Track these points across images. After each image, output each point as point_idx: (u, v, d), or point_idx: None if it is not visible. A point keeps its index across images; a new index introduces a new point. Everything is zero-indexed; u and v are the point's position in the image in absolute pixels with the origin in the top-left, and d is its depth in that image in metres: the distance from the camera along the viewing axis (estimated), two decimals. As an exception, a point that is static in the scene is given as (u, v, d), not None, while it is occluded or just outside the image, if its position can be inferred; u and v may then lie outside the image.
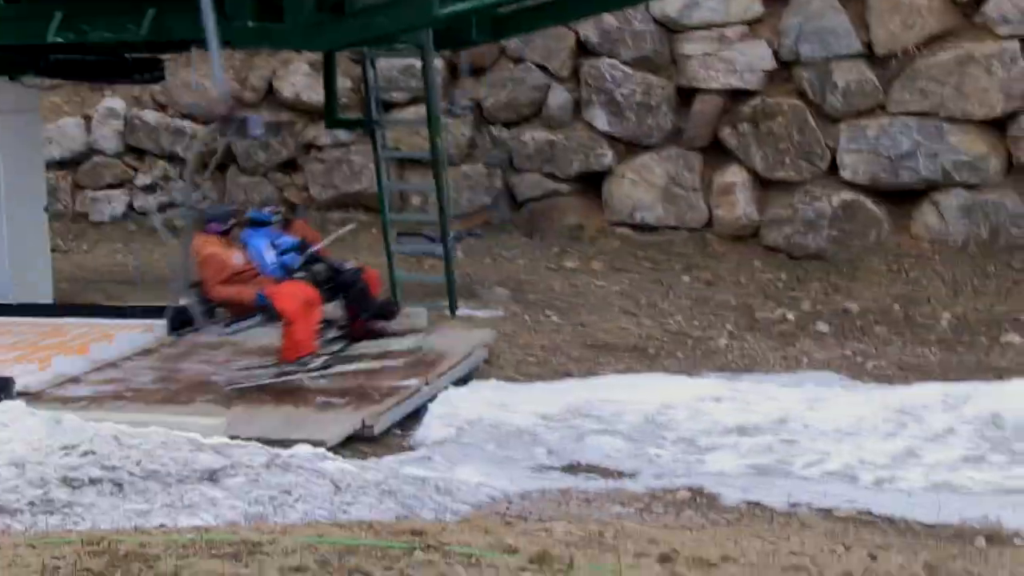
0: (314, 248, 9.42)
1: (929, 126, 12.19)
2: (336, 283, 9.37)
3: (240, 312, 9.16)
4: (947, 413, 8.34)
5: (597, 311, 11.55)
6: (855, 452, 8.18)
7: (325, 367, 9.10)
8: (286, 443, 7.66)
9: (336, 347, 9.44)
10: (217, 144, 9.82)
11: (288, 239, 9.44)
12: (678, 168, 13.06)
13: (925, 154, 12.20)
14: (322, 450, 7.67)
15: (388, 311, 9.75)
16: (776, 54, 12.73)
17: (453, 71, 13.85)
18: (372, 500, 6.82)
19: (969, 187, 12.11)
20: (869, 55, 12.41)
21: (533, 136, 13.50)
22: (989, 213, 12.05)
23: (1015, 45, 11.92)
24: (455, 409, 8.87)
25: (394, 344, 9.65)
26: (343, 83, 13.57)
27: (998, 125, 12.07)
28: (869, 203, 12.40)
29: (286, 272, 9.17)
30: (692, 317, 11.52)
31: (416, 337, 9.86)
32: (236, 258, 9.15)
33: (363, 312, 9.54)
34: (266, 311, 8.95)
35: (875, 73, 12.42)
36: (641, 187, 13.14)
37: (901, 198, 12.39)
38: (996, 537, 6.95)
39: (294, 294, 8.92)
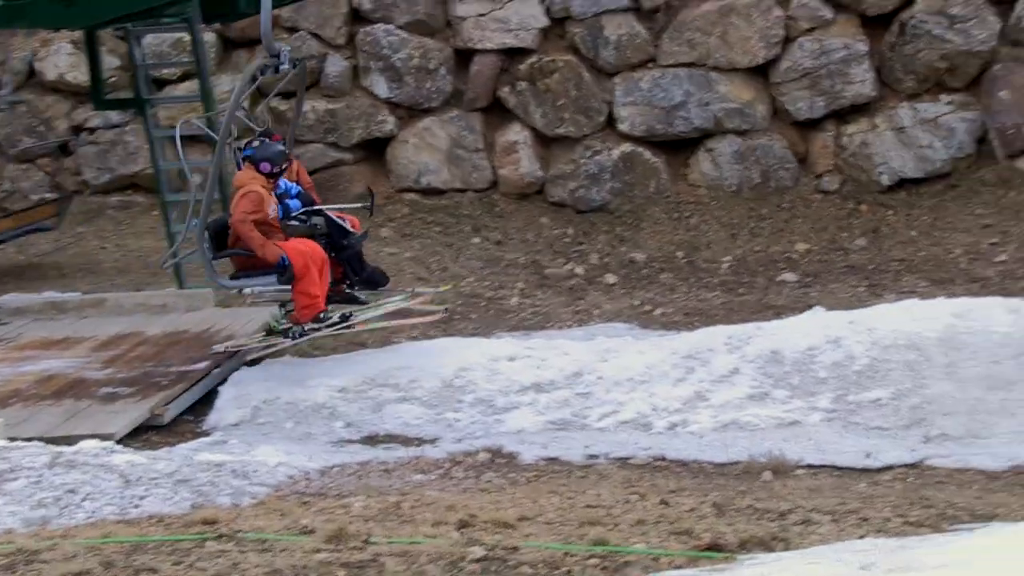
0: (323, 207, 9.06)
1: (698, 76, 12.52)
2: (335, 243, 8.96)
3: (248, 266, 8.63)
4: (731, 354, 8.60)
5: (390, 279, 11.47)
6: (648, 400, 8.38)
7: (343, 321, 8.78)
8: (70, 440, 7.39)
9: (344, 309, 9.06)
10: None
11: (285, 182, 8.98)
12: (460, 130, 13.07)
13: (697, 103, 12.53)
14: (110, 443, 7.43)
15: (378, 280, 9.35)
16: (548, 11, 12.84)
17: (226, 44, 13.50)
18: (165, 491, 6.65)
19: (740, 133, 12.51)
20: (637, 8, 12.64)
21: (313, 106, 13.28)
22: (759, 157, 12.48)
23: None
24: (249, 390, 8.72)
25: (389, 305, 9.31)
26: (111, 61, 13.09)
27: (761, 72, 12.49)
28: (647, 154, 12.68)
29: (284, 215, 8.77)
30: (484, 278, 11.59)
31: (401, 297, 9.52)
32: (272, 208, 8.67)
33: (353, 276, 9.16)
34: (285, 272, 8.48)
35: (644, 26, 12.67)
36: (425, 151, 13.11)
37: (677, 147, 12.71)
38: (780, 469, 7.25)
39: (303, 252, 8.53)
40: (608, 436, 8.05)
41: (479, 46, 12.93)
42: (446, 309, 9.63)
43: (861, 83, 12.26)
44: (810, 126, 12.48)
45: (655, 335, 9.69)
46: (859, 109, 12.33)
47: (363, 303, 9.22)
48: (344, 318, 8.80)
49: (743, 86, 12.51)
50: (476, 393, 8.64)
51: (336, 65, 13.23)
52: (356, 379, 8.82)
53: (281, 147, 8.79)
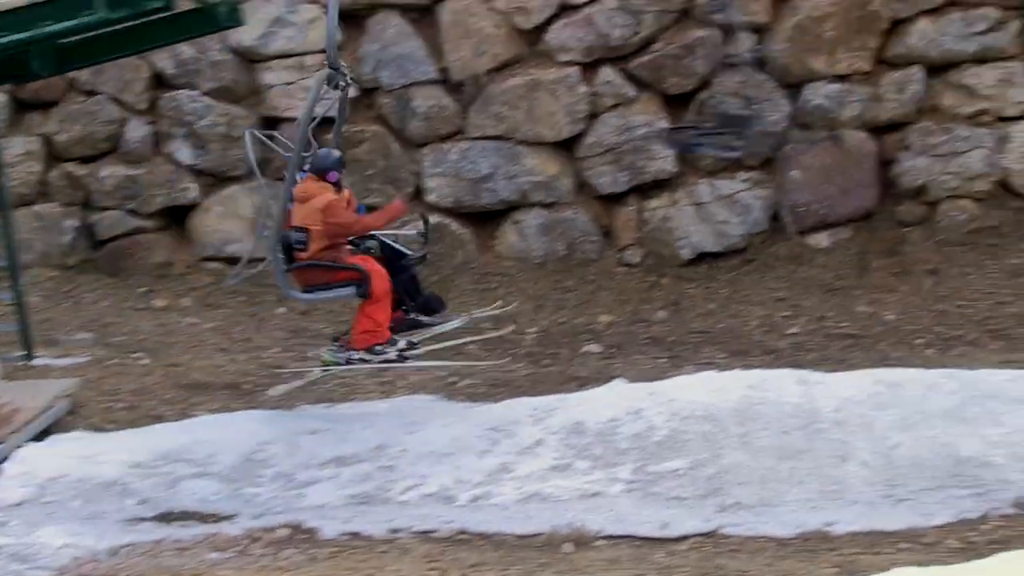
0: (375, 232, 8.81)
1: (506, 149, 12.68)
2: (392, 267, 8.69)
3: (322, 282, 8.44)
4: (536, 426, 8.63)
5: (189, 350, 11.19)
6: (452, 473, 8.33)
7: (401, 359, 8.57)
8: None
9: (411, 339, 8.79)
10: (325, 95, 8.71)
11: None
12: (266, 199, 12.86)
13: (504, 176, 12.68)
14: None
15: (434, 307, 9.09)
16: (357, 81, 12.82)
17: (19, 106, 13.05)
18: (-66, 579, 6.25)
19: (546, 206, 12.69)
20: (445, 81, 12.76)
21: (112, 172, 12.92)
22: (565, 230, 12.67)
23: (576, 71, 12.63)
24: (33, 467, 8.33)
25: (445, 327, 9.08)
26: None
27: (566, 146, 12.73)
28: (455, 225, 12.74)
29: None
30: (288, 349, 11.39)
31: (460, 319, 9.25)
32: None
33: (410, 302, 8.87)
34: (362, 286, 8.37)
35: (452, 98, 12.79)
36: (229, 220, 12.87)
37: (485, 219, 12.81)
38: (581, 540, 7.29)
39: (384, 274, 8.42)
40: (411, 510, 7.97)
41: (286, 114, 12.82)
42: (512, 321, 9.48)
43: (663, 159, 12.60)
44: (614, 200, 12.75)
45: (461, 407, 9.67)
46: (661, 185, 12.66)
47: (427, 326, 9.01)
48: (402, 358, 8.63)
49: (549, 160, 12.72)
50: (277, 467, 8.46)
51: (137, 130, 12.93)
52: (151, 454, 8.53)
53: (338, 153, 8.68)
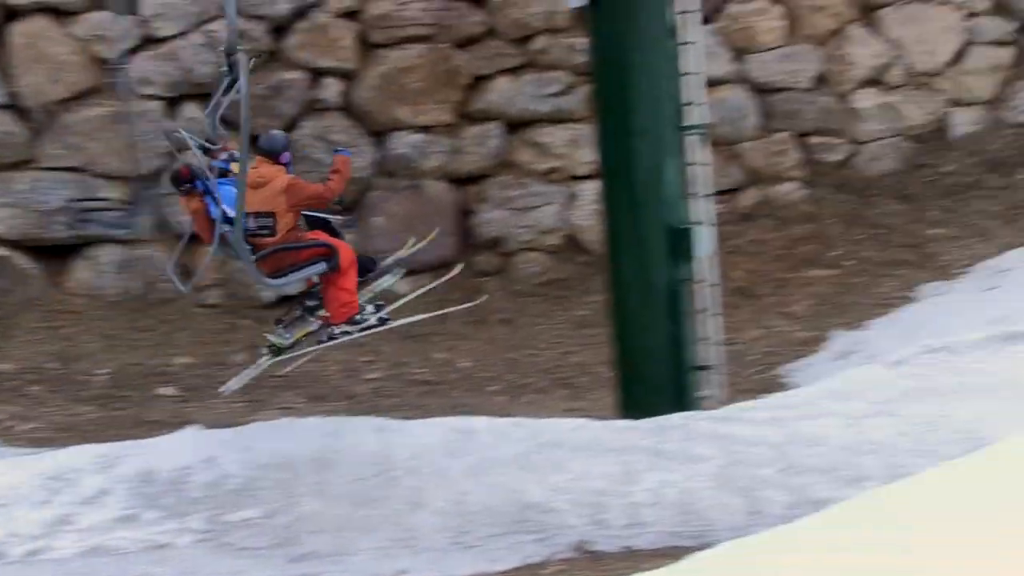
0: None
1: (81, 181, 12.16)
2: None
3: (286, 265, 8.09)
4: (101, 474, 8.25)
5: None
6: (5, 525, 7.83)
7: (381, 324, 8.41)
8: None
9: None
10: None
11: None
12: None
13: (78, 209, 12.14)
14: None
15: (368, 267, 8.71)
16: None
17: None
18: None
19: (122, 242, 12.23)
20: (15, 106, 12.08)
21: None
22: (142, 268, 12.25)
23: (158, 105, 12.26)
24: None
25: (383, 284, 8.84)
26: None
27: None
28: (20, 259, 12.05)
29: None
30: None
31: (394, 275, 8.94)
32: None
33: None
34: (331, 258, 8.10)
35: (23, 126, 12.12)
36: None
37: (55, 253, 12.20)
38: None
39: (346, 245, 8.32)
40: (-46, 569, 7.38)
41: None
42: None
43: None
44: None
45: (19, 453, 9.10)
46: (238, 225, 12.52)
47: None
48: (382, 321, 8.48)
49: (126, 192, 12.29)
50: None
51: None
52: None
53: (284, 134, 8.71)
